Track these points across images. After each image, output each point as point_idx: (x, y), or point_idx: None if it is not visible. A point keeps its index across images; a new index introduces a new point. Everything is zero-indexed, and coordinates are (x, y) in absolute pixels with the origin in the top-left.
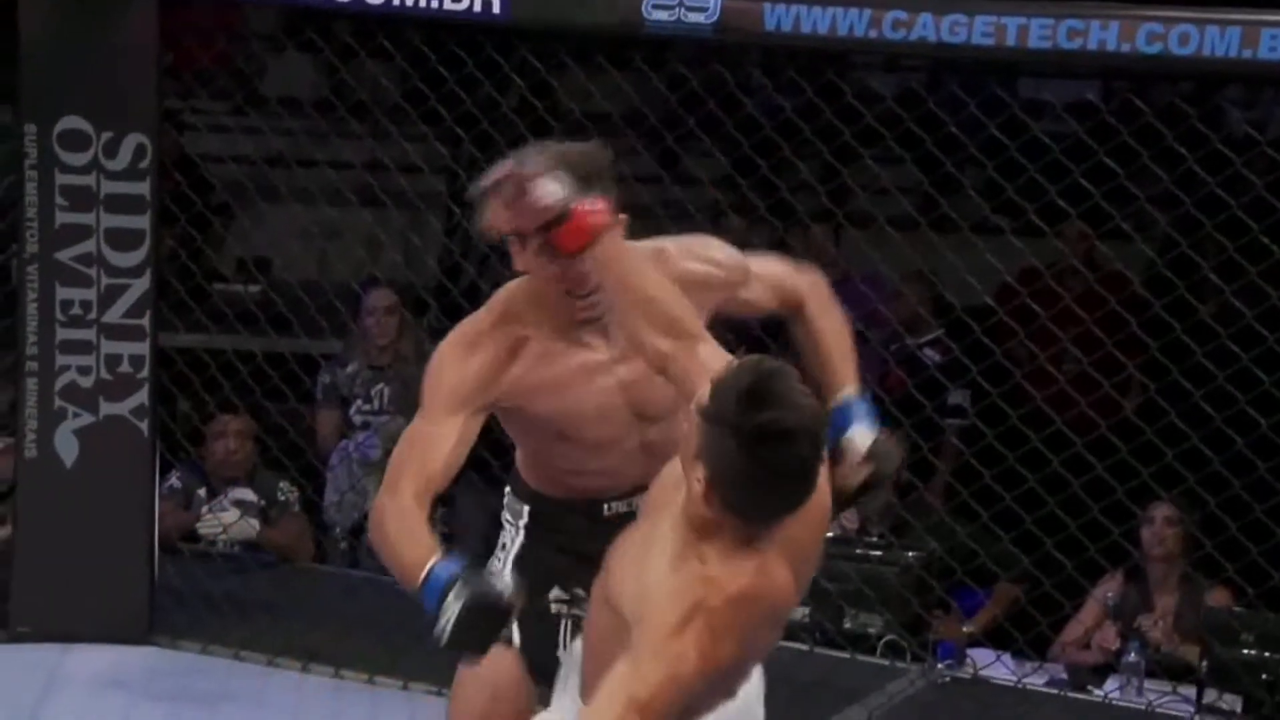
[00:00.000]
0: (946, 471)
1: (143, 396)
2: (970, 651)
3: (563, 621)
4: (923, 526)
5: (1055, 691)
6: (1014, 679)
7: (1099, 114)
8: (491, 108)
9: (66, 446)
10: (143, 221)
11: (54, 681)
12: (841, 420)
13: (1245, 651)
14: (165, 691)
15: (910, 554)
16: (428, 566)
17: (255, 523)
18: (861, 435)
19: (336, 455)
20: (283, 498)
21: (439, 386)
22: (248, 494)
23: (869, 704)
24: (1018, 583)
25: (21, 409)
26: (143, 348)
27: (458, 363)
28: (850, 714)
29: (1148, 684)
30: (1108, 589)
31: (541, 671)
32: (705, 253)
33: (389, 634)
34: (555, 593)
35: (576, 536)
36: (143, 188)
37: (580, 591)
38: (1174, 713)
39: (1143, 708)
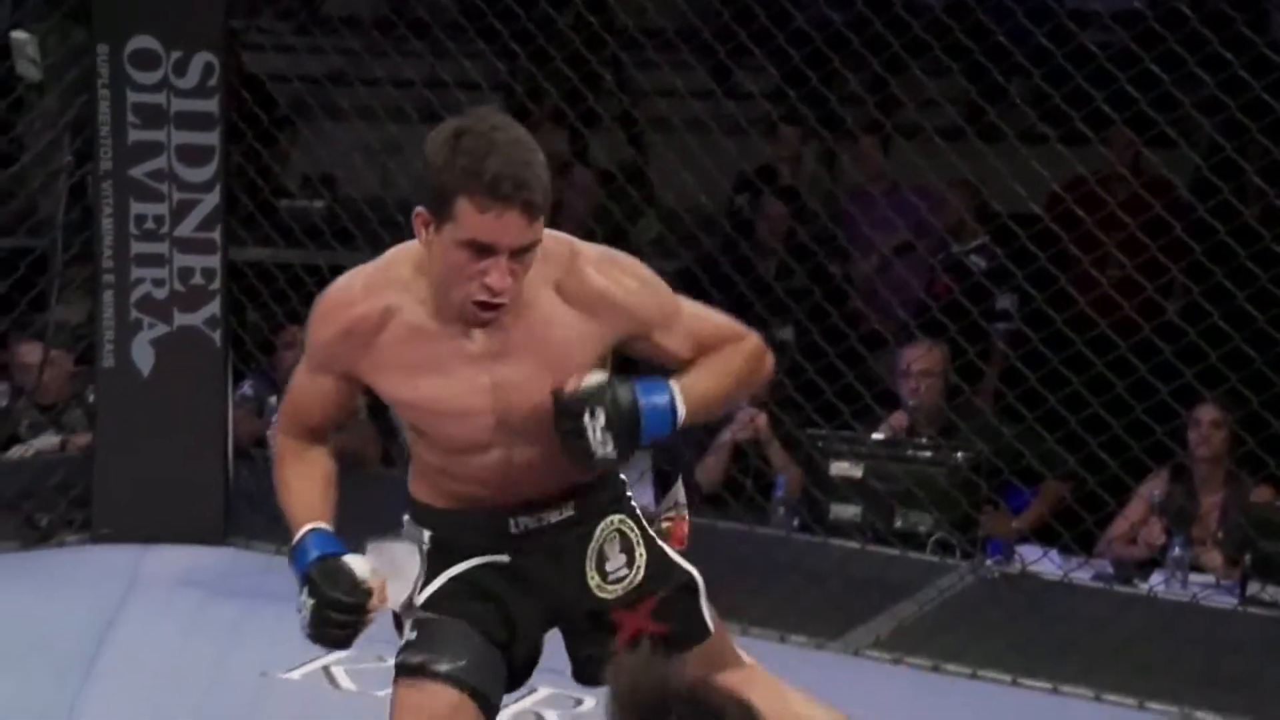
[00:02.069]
0: (994, 374)
1: (214, 308)
2: (1018, 548)
3: (509, 657)
4: (971, 428)
5: (1101, 586)
6: (1061, 574)
7: (1145, 21)
8: (547, 24)
9: (143, 356)
10: (211, 138)
11: (135, 581)
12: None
13: None
14: (240, 589)
15: (959, 455)
16: (300, 534)
17: None
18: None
19: None
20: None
21: (309, 342)
22: None
23: (920, 599)
24: (1064, 481)
25: (99, 321)
26: (214, 261)
27: (321, 325)
28: (901, 608)
29: (1192, 577)
30: (1153, 487)
31: (480, 693)
32: (627, 276)
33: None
34: (476, 605)
35: (485, 554)
36: (211, 105)
37: (496, 604)
38: (1218, 605)
39: (1187, 600)
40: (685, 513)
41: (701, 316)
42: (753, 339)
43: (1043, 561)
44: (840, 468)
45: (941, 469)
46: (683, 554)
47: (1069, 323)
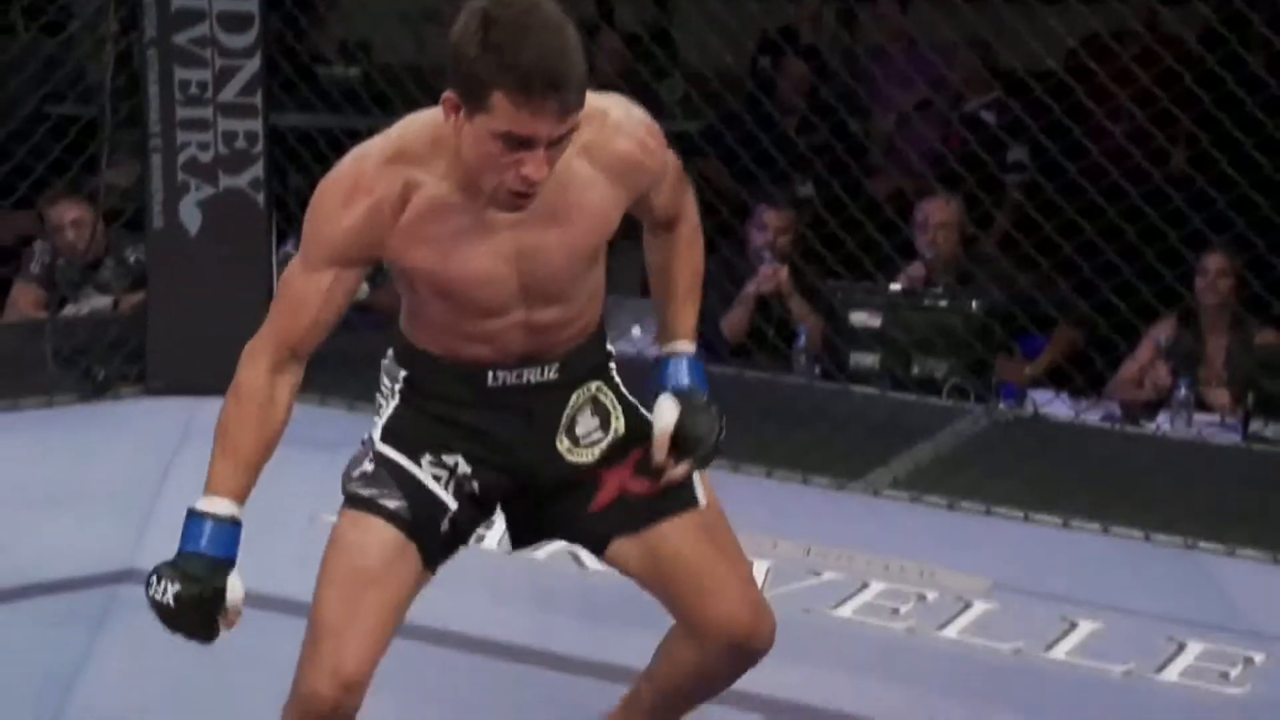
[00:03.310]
0: (1007, 222)
1: (257, 170)
2: (1031, 392)
3: (440, 490)
4: (986, 277)
5: (1110, 426)
6: (1072, 416)
7: None
8: None
9: (190, 217)
10: (251, 5)
11: (189, 431)
12: (663, 376)
13: None
14: (288, 438)
15: (974, 303)
16: (206, 510)
17: (365, 286)
18: (669, 408)
19: None
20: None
21: (316, 234)
22: None
23: (936, 441)
24: (1076, 327)
25: (148, 183)
26: (256, 125)
27: (338, 209)
28: (919, 450)
29: (1197, 417)
30: (1161, 331)
31: (422, 541)
32: (650, 136)
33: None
34: (428, 457)
35: (456, 405)
36: None
37: (457, 459)
38: (1222, 442)
39: (1192, 438)
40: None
41: (680, 173)
42: (695, 214)
43: (1054, 404)
44: (860, 317)
45: (957, 317)
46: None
47: (1081, 173)
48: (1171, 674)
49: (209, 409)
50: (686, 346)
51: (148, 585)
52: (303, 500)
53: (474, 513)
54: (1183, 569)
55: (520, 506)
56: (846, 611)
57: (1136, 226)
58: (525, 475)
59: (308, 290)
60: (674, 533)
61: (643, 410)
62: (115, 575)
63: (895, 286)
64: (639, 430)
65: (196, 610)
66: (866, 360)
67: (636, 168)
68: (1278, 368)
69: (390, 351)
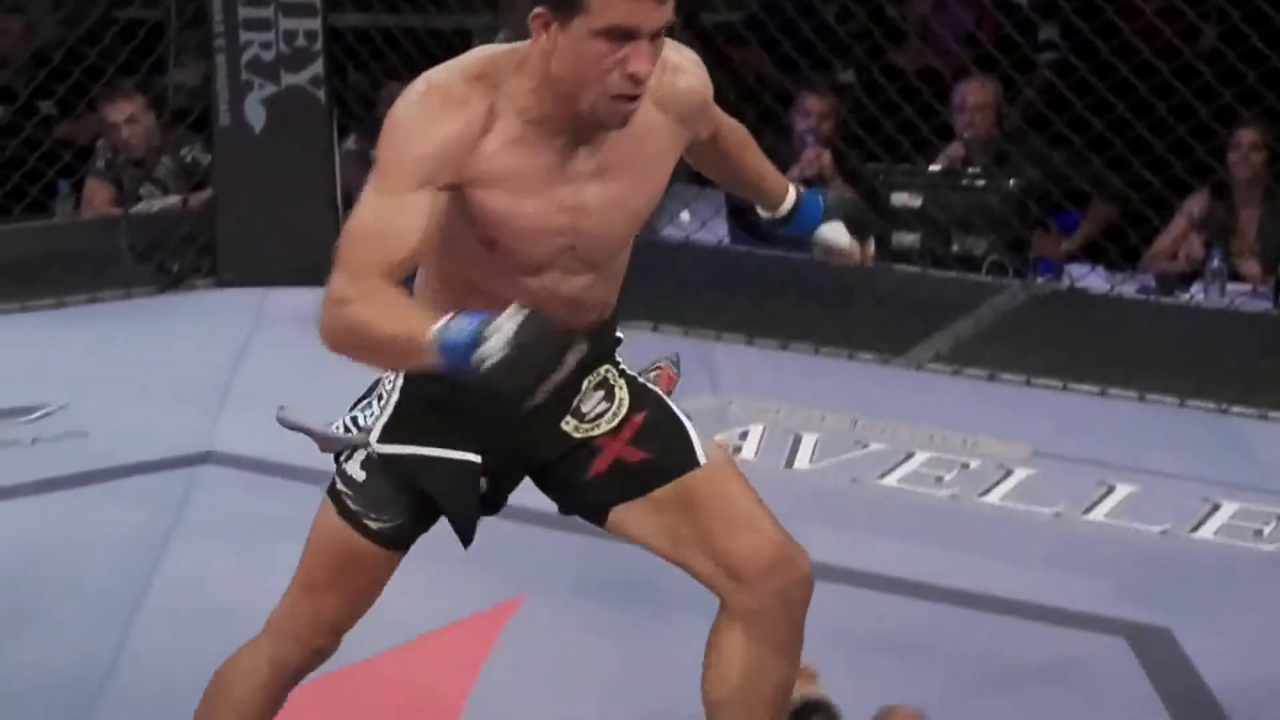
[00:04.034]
0: (1041, 102)
1: (318, 68)
2: (1067, 266)
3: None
4: (1023, 155)
5: (1145, 298)
6: (1107, 288)
7: None
8: None
9: (255, 114)
10: None
11: (259, 319)
12: (805, 214)
13: None
14: None
15: (1012, 181)
16: (438, 323)
17: None
18: (834, 227)
19: None
20: None
21: (403, 151)
22: None
23: (976, 316)
24: (1111, 202)
25: (213, 82)
26: (315, 24)
27: (429, 122)
28: (960, 325)
29: (1229, 286)
30: (1194, 204)
31: (405, 547)
32: (697, 67)
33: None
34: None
35: (463, 390)
36: None
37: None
38: (1253, 310)
39: (1224, 307)
40: (675, 367)
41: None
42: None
43: (1090, 277)
44: (901, 198)
45: (995, 195)
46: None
47: (1113, 51)
48: (1206, 533)
49: (277, 299)
50: (794, 190)
51: (464, 353)
52: (367, 382)
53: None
54: (1216, 433)
55: (516, 484)
56: (892, 480)
57: (1169, 102)
58: (531, 459)
59: (398, 214)
60: (680, 484)
61: (640, 379)
62: (195, 457)
63: (934, 167)
64: (639, 399)
65: (538, 329)
66: (908, 239)
67: (701, 104)
68: None
69: None
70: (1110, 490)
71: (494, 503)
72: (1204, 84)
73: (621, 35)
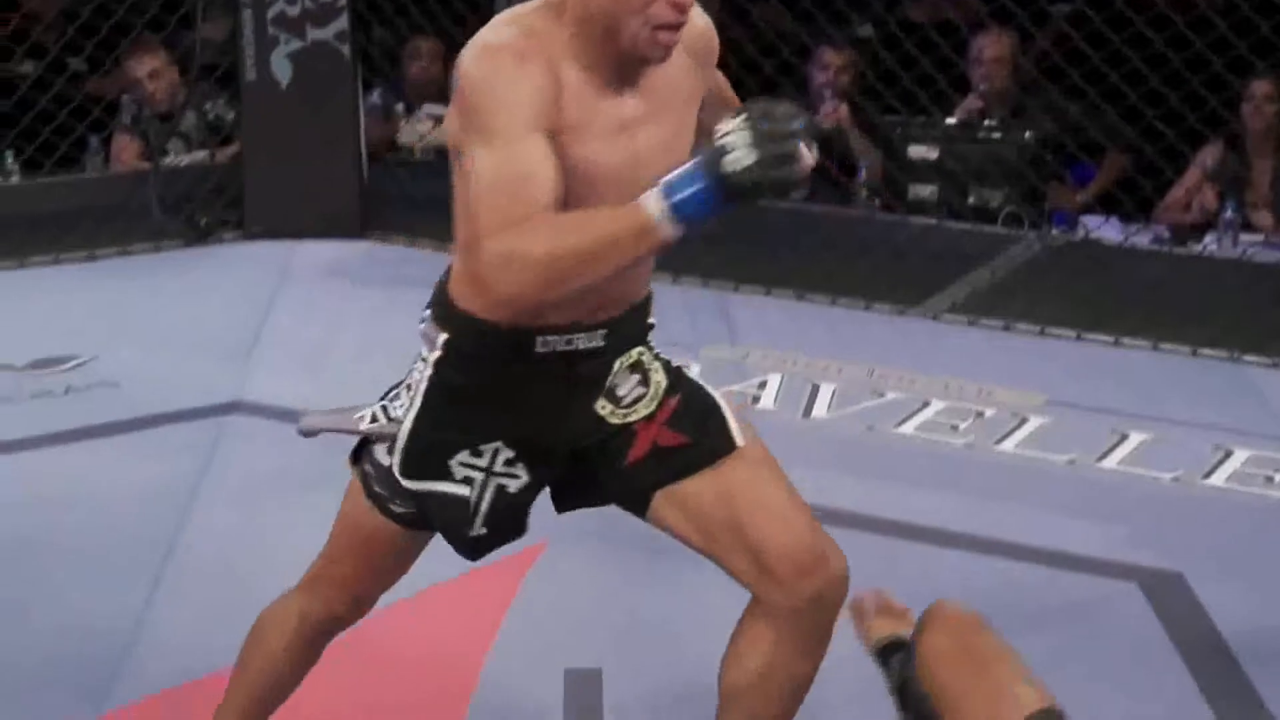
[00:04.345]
0: (1056, 53)
1: (343, 23)
2: (1082, 217)
3: (472, 491)
4: (1039, 107)
5: (1158, 248)
6: (1121, 239)
7: None
8: None
9: (281, 69)
10: None
11: (287, 272)
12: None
13: None
14: (380, 278)
15: (1027, 133)
16: (646, 195)
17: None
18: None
19: None
20: None
21: (500, 105)
22: (439, 108)
23: (993, 266)
24: (1125, 153)
25: (240, 37)
26: None
27: (513, 76)
28: (975, 276)
29: (1242, 237)
30: (1208, 155)
31: (427, 526)
32: (704, 13)
33: None
34: (461, 456)
35: (497, 377)
36: None
37: (497, 446)
38: (1265, 260)
39: (1237, 257)
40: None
41: None
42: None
43: (1104, 228)
44: (918, 150)
45: (1011, 147)
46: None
47: (1129, 3)
48: (1218, 479)
49: (304, 251)
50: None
51: (704, 192)
52: (394, 334)
53: (515, 499)
54: (1228, 381)
55: (560, 472)
56: (909, 429)
57: (1183, 54)
58: (566, 444)
59: (526, 161)
60: (719, 473)
61: (676, 364)
62: (223, 407)
63: (951, 120)
64: (674, 382)
65: (782, 121)
66: (924, 191)
67: (711, 44)
68: None
69: (428, 313)
70: (1123, 438)
71: (559, 493)
72: (1218, 35)
73: None
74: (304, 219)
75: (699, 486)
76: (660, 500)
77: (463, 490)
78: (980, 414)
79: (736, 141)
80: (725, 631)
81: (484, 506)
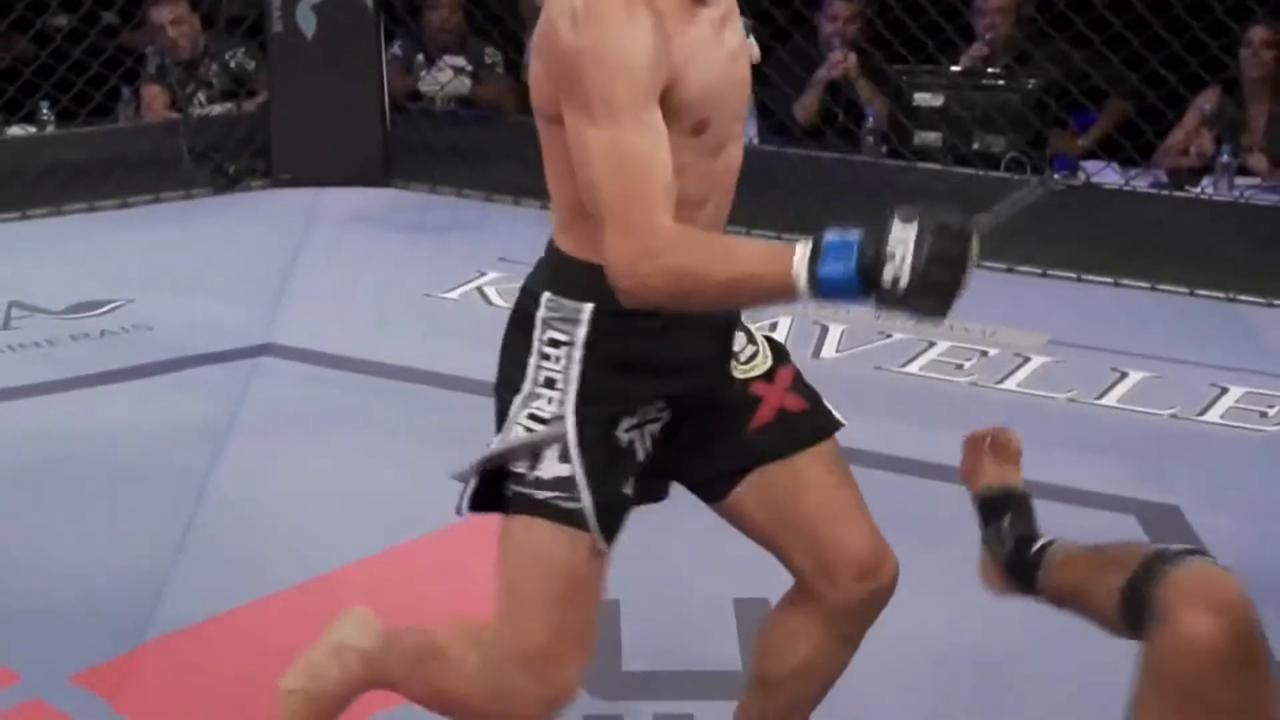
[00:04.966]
0: (1061, 2)
1: None
2: (1083, 162)
3: (634, 448)
4: (1043, 55)
5: (1158, 192)
6: (1121, 183)
7: None
8: None
9: (307, 21)
10: None
11: (313, 217)
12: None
13: None
14: (403, 224)
15: (1030, 80)
16: (798, 252)
17: (467, 81)
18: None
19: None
20: (489, 61)
21: (616, 73)
22: (459, 60)
23: (996, 210)
24: (1126, 99)
25: None
26: None
27: (625, 30)
28: (980, 219)
29: (1238, 181)
30: (1206, 100)
31: (609, 528)
32: None
33: None
34: (626, 422)
35: (653, 334)
36: None
37: (660, 408)
38: (1261, 202)
39: (1233, 200)
40: None
41: None
42: None
43: (1105, 173)
44: (924, 97)
45: (1015, 94)
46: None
47: None
48: (1214, 416)
49: (330, 198)
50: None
51: (893, 288)
52: (417, 279)
53: (657, 470)
54: (1224, 321)
55: (690, 431)
56: (914, 368)
57: (1183, 1)
58: (708, 396)
59: (647, 144)
60: (817, 460)
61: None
62: (253, 349)
63: (956, 68)
64: (782, 350)
65: (951, 243)
66: (930, 138)
67: None
68: None
69: (544, 295)
70: (1123, 376)
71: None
72: None
73: None
74: (329, 167)
75: (782, 475)
76: (750, 481)
77: (624, 459)
78: (984, 354)
79: (902, 252)
80: (731, 565)
81: (639, 458)
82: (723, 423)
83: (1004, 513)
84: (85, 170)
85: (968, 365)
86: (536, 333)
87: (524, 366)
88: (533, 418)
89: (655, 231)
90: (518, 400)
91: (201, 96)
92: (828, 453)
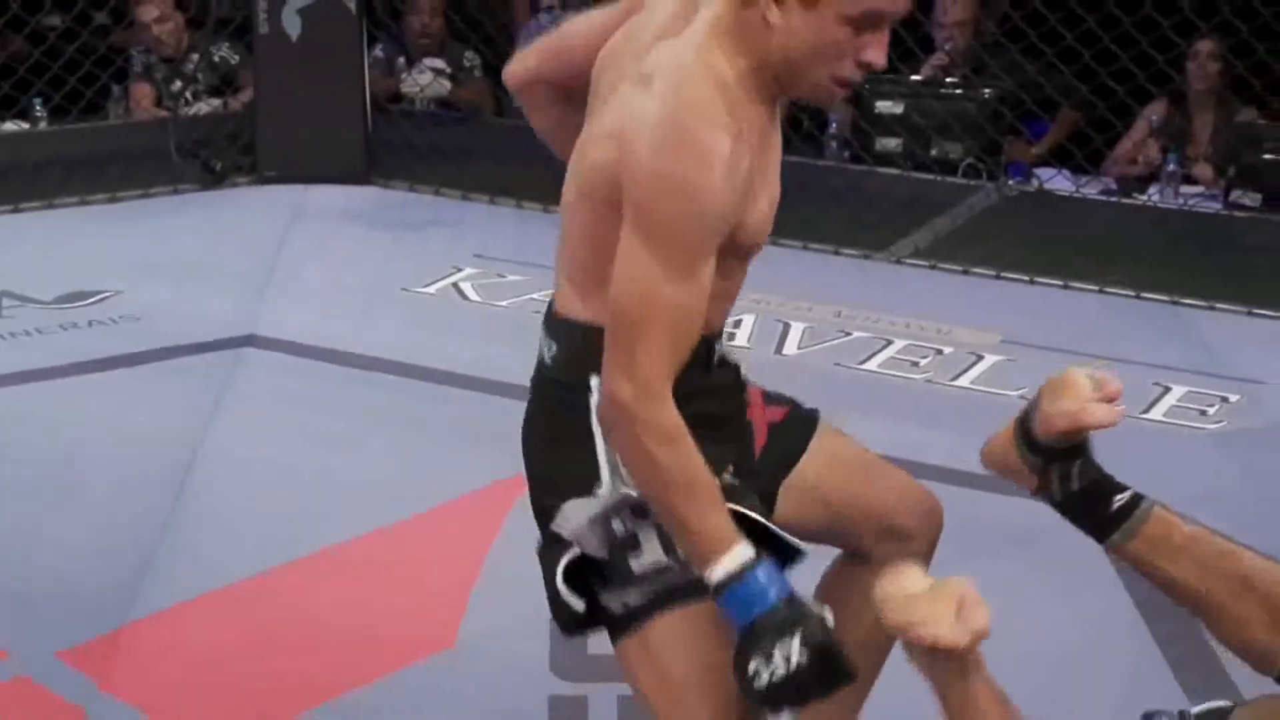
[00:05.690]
0: (1016, 16)
1: None
2: (1036, 169)
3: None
4: (999, 66)
5: (1107, 198)
6: (1072, 190)
7: None
8: None
9: (292, 23)
10: None
11: (297, 214)
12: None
13: (1266, 156)
14: (385, 220)
15: (987, 90)
16: (736, 562)
17: (447, 84)
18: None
19: (524, 33)
20: (468, 64)
21: (692, 215)
22: (439, 62)
23: (952, 215)
24: (1077, 109)
25: None
26: None
27: (715, 162)
28: (937, 223)
29: (1183, 189)
30: (1153, 111)
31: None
32: None
33: (560, 171)
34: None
35: (704, 399)
36: None
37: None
38: (1205, 210)
39: (1179, 207)
40: None
41: None
42: None
43: (1057, 180)
44: (885, 105)
45: (972, 103)
46: None
47: None
48: (1157, 413)
49: (313, 195)
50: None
51: (751, 679)
52: (395, 273)
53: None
54: (1169, 322)
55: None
56: (873, 365)
57: (1133, 16)
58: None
59: (692, 296)
60: (822, 446)
61: None
62: (238, 340)
63: (916, 77)
64: (737, 370)
65: (829, 654)
66: (891, 144)
67: None
68: (1256, 143)
69: (594, 379)
70: None
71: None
72: None
73: (872, 22)
74: (313, 165)
75: (803, 477)
76: (783, 494)
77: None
78: (939, 352)
79: (769, 656)
80: None
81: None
82: (740, 464)
83: (1075, 456)
84: (77, 165)
85: (923, 362)
86: (595, 420)
87: (592, 461)
88: (633, 511)
89: (651, 399)
90: (600, 495)
91: (188, 94)
92: (826, 435)
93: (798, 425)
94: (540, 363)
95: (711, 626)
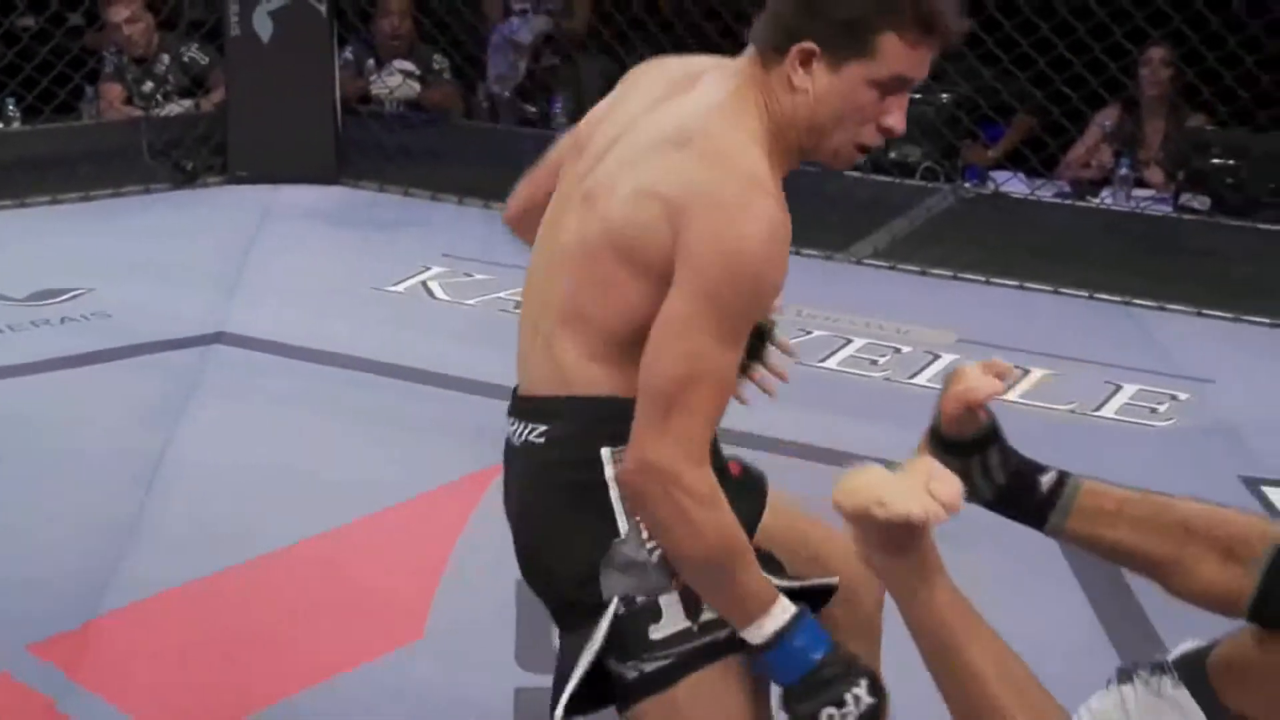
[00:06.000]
0: (973, 23)
1: None
2: (992, 173)
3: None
4: (956, 71)
5: (1061, 201)
6: (1028, 193)
7: None
8: None
9: (263, 26)
10: None
11: (268, 213)
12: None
13: (1214, 161)
14: (353, 220)
15: (944, 95)
16: (783, 617)
17: (416, 86)
18: None
19: (496, 35)
20: (437, 66)
21: (759, 299)
22: (408, 65)
23: (910, 216)
24: (1033, 114)
25: None
26: None
27: (785, 245)
28: (895, 225)
29: (1135, 192)
30: (1106, 116)
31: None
32: None
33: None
34: None
35: (714, 456)
36: None
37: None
38: (1155, 213)
39: (1131, 210)
40: None
41: None
42: None
43: (1012, 183)
44: None
45: (930, 108)
46: None
47: None
48: (1109, 411)
49: (284, 195)
50: None
51: (794, 676)
52: (364, 272)
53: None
54: (1120, 322)
55: None
56: (833, 363)
57: (1087, 23)
58: None
59: (736, 360)
60: (773, 509)
61: None
62: (208, 337)
63: None
64: None
65: (883, 691)
66: None
67: None
68: (1205, 148)
69: (605, 451)
70: (1026, 373)
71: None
72: (1119, 7)
73: (897, 86)
74: (283, 165)
75: (767, 520)
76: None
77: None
78: (897, 350)
79: (842, 704)
80: None
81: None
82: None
83: (988, 444)
84: (50, 165)
85: (881, 361)
86: (615, 493)
87: (613, 533)
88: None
89: (695, 463)
90: (625, 572)
91: (159, 94)
92: (779, 499)
93: (753, 479)
94: (526, 447)
95: (738, 682)
